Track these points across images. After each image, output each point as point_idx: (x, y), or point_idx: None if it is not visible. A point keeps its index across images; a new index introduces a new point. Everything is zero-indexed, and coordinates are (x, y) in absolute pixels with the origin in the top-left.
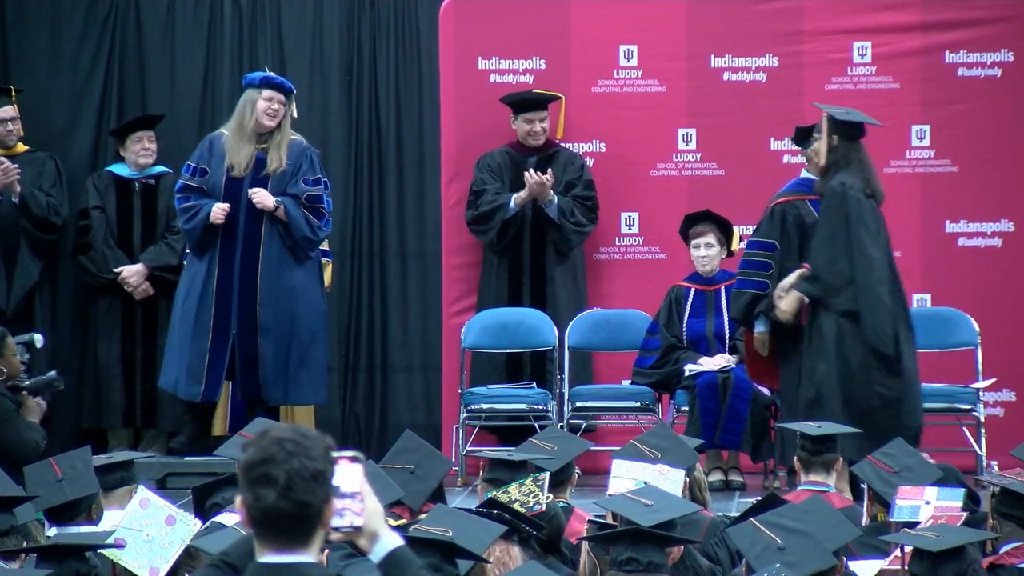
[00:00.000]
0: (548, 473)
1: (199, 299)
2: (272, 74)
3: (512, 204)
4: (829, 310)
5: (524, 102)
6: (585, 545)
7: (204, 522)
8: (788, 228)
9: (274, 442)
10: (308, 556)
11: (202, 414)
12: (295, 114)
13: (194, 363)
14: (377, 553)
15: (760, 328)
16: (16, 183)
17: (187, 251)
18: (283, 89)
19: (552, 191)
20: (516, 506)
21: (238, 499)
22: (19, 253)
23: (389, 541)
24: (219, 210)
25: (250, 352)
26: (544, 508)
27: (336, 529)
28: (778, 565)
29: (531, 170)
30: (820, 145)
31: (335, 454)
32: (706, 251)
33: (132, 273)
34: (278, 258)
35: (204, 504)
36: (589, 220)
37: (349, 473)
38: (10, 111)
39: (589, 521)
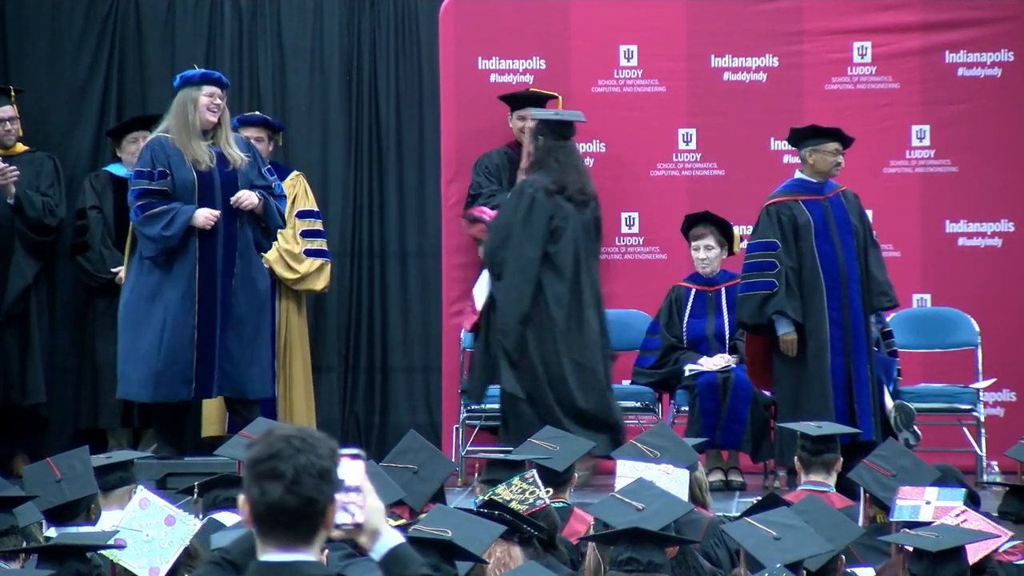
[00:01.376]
0: (535, 470)
1: (180, 300)
2: (210, 70)
3: None
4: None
5: (518, 99)
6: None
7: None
8: (784, 228)
9: (281, 439)
10: (310, 555)
11: (177, 421)
12: (272, 118)
13: (180, 363)
14: (378, 551)
15: (785, 328)
16: (12, 185)
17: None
18: (222, 84)
19: None
20: (513, 505)
21: (240, 497)
22: (13, 254)
23: (390, 539)
24: (211, 216)
25: (230, 347)
26: (547, 503)
27: (337, 527)
28: (779, 565)
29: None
30: (529, 147)
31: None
32: (705, 253)
33: None
34: (248, 252)
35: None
36: None
37: (351, 471)
38: (9, 111)
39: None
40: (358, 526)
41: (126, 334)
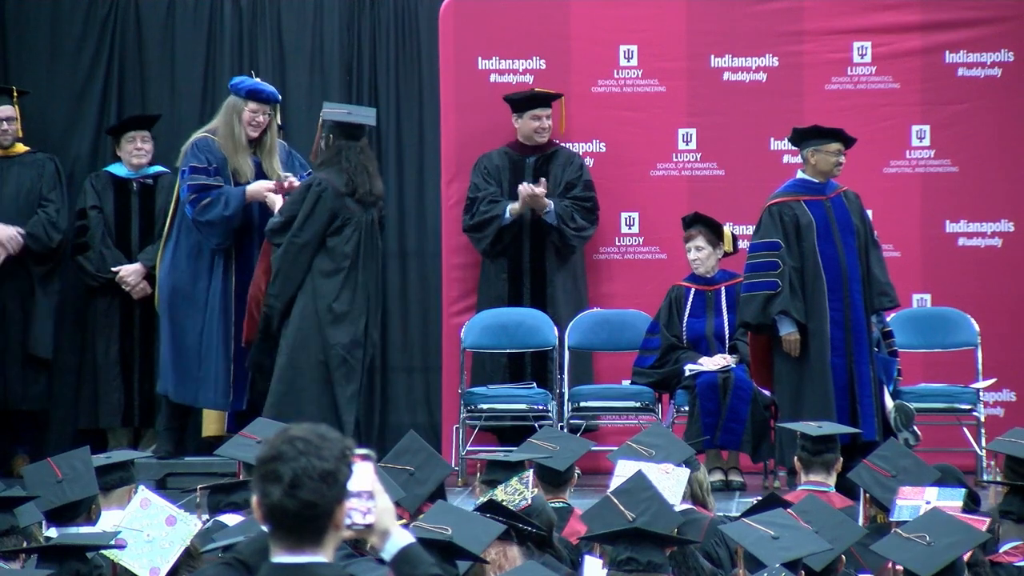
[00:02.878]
0: (531, 471)
1: (220, 308)
2: (259, 83)
3: (507, 215)
4: None
5: (531, 99)
6: None
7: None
8: (786, 228)
9: (287, 440)
10: (319, 556)
11: (183, 420)
12: (279, 121)
13: (222, 374)
14: (389, 551)
15: (788, 328)
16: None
17: (163, 252)
18: (269, 100)
19: (547, 199)
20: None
21: (254, 497)
22: (35, 295)
23: (400, 538)
24: (265, 187)
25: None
26: (530, 503)
27: (348, 527)
28: (778, 565)
29: (524, 184)
30: (317, 142)
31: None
32: (696, 254)
33: (130, 272)
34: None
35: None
36: (590, 223)
37: (360, 471)
38: (8, 111)
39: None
40: (368, 527)
41: (170, 331)
